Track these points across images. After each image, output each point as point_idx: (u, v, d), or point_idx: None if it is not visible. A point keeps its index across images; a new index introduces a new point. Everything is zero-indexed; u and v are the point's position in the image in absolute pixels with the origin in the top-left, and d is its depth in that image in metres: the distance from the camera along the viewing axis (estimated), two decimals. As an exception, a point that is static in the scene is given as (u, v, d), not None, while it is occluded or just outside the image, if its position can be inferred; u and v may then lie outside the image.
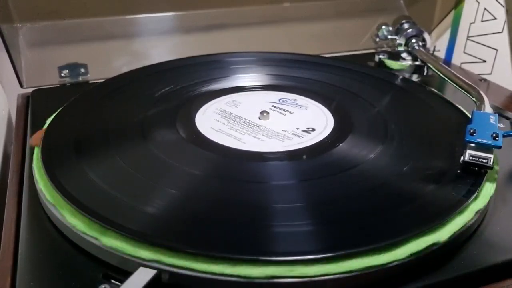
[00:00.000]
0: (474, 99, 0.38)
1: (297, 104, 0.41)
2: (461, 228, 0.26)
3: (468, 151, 0.30)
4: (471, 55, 0.60)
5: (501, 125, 0.39)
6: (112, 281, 0.24)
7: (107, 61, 0.52)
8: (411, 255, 0.24)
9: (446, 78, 0.44)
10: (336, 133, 0.36)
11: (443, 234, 0.25)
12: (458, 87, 0.41)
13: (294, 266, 0.23)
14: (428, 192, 0.28)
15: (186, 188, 0.29)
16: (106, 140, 0.34)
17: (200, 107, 0.40)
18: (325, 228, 0.25)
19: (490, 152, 0.30)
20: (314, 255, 0.23)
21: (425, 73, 0.52)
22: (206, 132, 0.36)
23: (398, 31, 0.55)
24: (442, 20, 0.62)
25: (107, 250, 0.24)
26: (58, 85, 0.49)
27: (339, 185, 0.29)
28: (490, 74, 0.57)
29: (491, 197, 0.29)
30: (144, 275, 0.23)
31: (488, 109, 0.34)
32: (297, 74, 0.46)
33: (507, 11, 0.53)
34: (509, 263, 0.26)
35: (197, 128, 0.36)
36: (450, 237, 0.25)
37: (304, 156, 0.33)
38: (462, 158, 0.30)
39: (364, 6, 0.63)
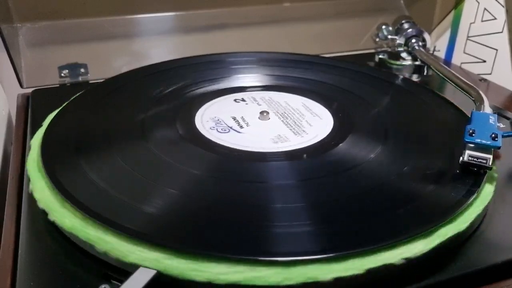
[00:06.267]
0: (473, 99, 0.38)
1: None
2: (461, 228, 0.26)
3: (467, 152, 0.30)
4: (471, 55, 0.60)
5: (501, 125, 0.39)
6: (112, 281, 0.24)
7: (107, 61, 0.52)
8: (411, 255, 0.24)
9: (446, 78, 0.44)
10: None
11: (442, 234, 0.25)
12: (457, 87, 0.41)
13: (294, 266, 0.23)
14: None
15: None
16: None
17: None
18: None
19: (489, 152, 0.30)
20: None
21: (425, 73, 0.52)
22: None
23: (398, 31, 0.55)
24: (442, 20, 0.62)
25: (107, 250, 0.24)
26: (58, 85, 0.49)
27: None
28: (490, 74, 0.57)
29: (491, 198, 0.29)
30: (144, 275, 0.23)
31: (487, 109, 0.34)
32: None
33: (507, 11, 0.53)
34: (509, 263, 0.26)
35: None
36: (450, 237, 0.25)
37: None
38: (461, 158, 0.30)
39: (364, 6, 0.63)
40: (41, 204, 0.28)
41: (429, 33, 0.56)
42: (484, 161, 0.29)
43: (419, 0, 0.63)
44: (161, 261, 0.23)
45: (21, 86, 0.48)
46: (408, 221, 0.26)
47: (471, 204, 0.28)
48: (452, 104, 0.40)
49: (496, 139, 0.30)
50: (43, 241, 0.27)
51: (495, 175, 0.31)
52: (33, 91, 0.46)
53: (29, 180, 0.30)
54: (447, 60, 0.63)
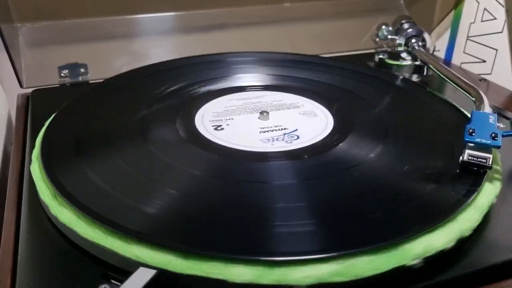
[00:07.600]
0: (473, 99, 0.38)
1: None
2: (461, 228, 0.26)
3: (467, 151, 0.30)
4: (471, 55, 0.60)
5: (501, 125, 0.39)
6: (112, 281, 0.24)
7: (107, 61, 0.52)
8: (411, 255, 0.24)
9: (446, 78, 0.44)
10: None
11: (442, 234, 0.25)
12: (457, 87, 0.42)
13: (294, 266, 0.23)
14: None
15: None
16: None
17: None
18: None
19: (489, 152, 0.30)
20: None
21: (425, 73, 0.52)
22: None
23: (398, 31, 0.55)
24: (442, 20, 0.62)
25: (107, 250, 0.24)
26: (58, 85, 0.49)
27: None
28: (490, 74, 0.57)
29: (495, 197, 0.29)
30: (144, 275, 0.23)
31: (487, 109, 0.34)
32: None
33: (507, 11, 0.54)
34: (509, 263, 0.26)
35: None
36: (450, 238, 0.25)
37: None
38: (461, 158, 0.30)
39: (364, 6, 0.63)
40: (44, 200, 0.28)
41: (429, 33, 0.56)
42: (484, 161, 0.29)
43: (419, 0, 0.63)
44: (161, 261, 0.23)
45: (21, 86, 0.48)
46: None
47: (471, 203, 0.28)
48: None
49: (496, 138, 0.30)
50: (43, 241, 0.27)
51: (498, 175, 0.31)
52: (33, 91, 0.46)
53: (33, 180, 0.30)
54: (447, 60, 0.63)
